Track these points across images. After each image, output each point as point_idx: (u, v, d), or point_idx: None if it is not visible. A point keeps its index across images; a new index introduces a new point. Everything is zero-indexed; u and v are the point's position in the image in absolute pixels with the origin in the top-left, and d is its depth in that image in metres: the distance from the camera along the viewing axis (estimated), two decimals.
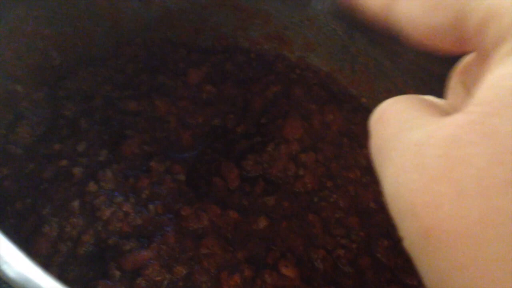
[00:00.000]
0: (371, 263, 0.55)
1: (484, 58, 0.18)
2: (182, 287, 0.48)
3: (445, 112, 0.19)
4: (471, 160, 0.15)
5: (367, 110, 0.69)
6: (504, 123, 0.15)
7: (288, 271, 0.52)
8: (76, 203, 0.50)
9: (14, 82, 0.52)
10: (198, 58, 0.68)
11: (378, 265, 0.56)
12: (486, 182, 0.15)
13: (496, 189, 0.15)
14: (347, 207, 0.59)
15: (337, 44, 0.69)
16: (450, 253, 0.16)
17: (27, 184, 0.51)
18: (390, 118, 0.21)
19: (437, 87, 0.62)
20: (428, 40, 0.21)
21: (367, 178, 0.62)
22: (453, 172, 0.16)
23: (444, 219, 0.16)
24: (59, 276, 0.45)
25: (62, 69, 0.58)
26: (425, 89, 0.63)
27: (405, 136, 0.19)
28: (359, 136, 0.65)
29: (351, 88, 0.70)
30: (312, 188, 0.60)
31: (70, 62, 0.59)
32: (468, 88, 0.22)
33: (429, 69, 0.62)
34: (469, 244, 0.15)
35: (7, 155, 0.53)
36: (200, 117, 0.63)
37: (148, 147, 0.58)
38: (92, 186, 0.51)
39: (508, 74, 0.16)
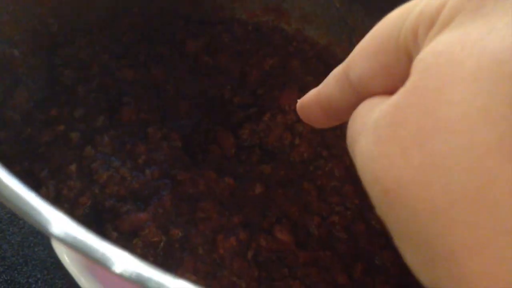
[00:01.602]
0: (365, 229, 0.56)
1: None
2: (178, 248, 0.49)
3: None
4: (410, 119, 0.17)
5: None
6: (434, 81, 0.17)
7: (283, 236, 0.53)
8: (73, 167, 0.51)
9: (11, 47, 0.52)
10: (196, 29, 0.68)
11: (372, 231, 0.56)
12: (421, 134, 0.17)
13: (429, 136, 0.16)
14: (342, 176, 0.60)
15: (335, 16, 0.69)
16: (406, 205, 0.17)
17: (24, 148, 0.52)
18: (358, 111, 0.23)
19: None
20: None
21: None
22: (397, 133, 0.18)
23: (396, 176, 0.17)
24: None
25: (59, 36, 0.58)
26: None
27: (368, 117, 0.21)
28: None
29: None
30: (307, 157, 0.60)
31: (68, 29, 0.59)
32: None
33: None
34: (417, 191, 0.17)
35: (4, 120, 0.53)
36: (197, 87, 0.64)
37: (145, 114, 0.58)
38: (89, 151, 0.52)
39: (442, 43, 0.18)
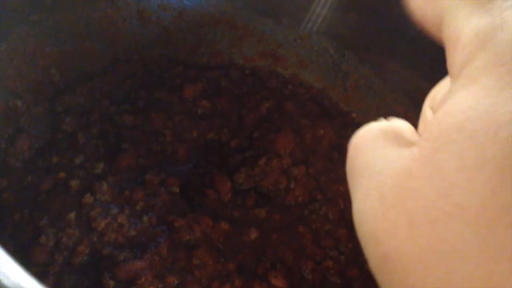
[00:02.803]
0: (359, 274, 0.57)
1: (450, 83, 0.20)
2: None
3: (411, 142, 0.20)
4: (421, 192, 0.17)
5: (358, 125, 0.69)
6: (449, 160, 0.16)
7: (277, 282, 0.54)
8: (72, 215, 0.52)
9: (15, 98, 0.54)
10: (194, 74, 0.70)
11: (366, 276, 0.57)
12: (433, 214, 0.17)
13: (441, 220, 0.16)
14: (336, 220, 0.61)
15: (329, 61, 0.71)
16: (404, 277, 0.17)
17: (25, 196, 0.53)
18: (362, 146, 0.23)
19: (422, 103, 0.64)
20: (428, 28, 0.23)
21: None
22: (406, 203, 0.17)
23: (399, 246, 0.17)
24: (54, 285, 0.47)
25: (61, 84, 0.60)
26: (413, 106, 0.65)
27: (371, 164, 0.20)
28: None
29: (342, 104, 0.72)
30: (302, 200, 0.62)
31: (69, 78, 0.61)
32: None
33: (418, 87, 0.64)
34: (419, 269, 0.17)
35: (6, 168, 0.55)
36: (195, 131, 0.65)
37: (143, 160, 0.59)
38: (88, 198, 0.53)
39: (455, 108, 0.17)
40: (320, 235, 0.60)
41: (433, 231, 0.16)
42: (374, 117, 0.70)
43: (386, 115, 0.70)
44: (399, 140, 0.21)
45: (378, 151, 0.21)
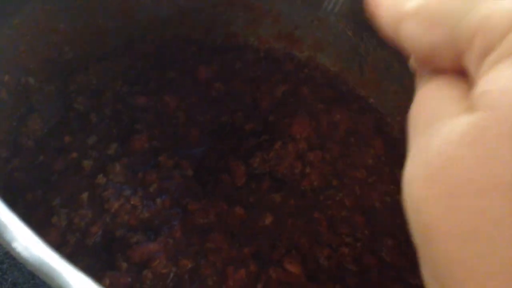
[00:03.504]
0: (376, 261, 0.56)
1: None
2: (188, 280, 0.49)
3: (469, 106, 0.19)
4: (469, 163, 0.16)
5: (375, 111, 0.70)
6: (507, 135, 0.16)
7: (293, 268, 0.53)
8: (85, 195, 0.51)
9: (27, 75, 0.53)
10: (208, 55, 0.69)
11: (383, 264, 0.56)
12: (476, 186, 0.16)
13: (483, 194, 0.16)
14: (352, 206, 0.60)
15: (346, 44, 0.70)
16: (443, 249, 0.17)
17: (37, 175, 0.52)
18: (426, 102, 0.21)
19: None
20: (428, 59, 0.22)
21: (373, 178, 0.62)
22: (448, 171, 0.17)
23: (439, 216, 0.17)
24: None
25: (73, 63, 0.59)
26: None
27: (429, 118, 0.20)
28: (366, 136, 0.66)
29: (359, 88, 0.70)
30: (318, 186, 0.60)
31: (82, 57, 0.60)
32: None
33: None
34: (458, 243, 0.16)
35: (18, 147, 0.53)
36: (208, 114, 0.64)
37: (157, 142, 0.58)
38: (101, 179, 0.52)
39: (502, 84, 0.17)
40: (336, 221, 0.58)
41: (471, 203, 0.16)
42: (391, 102, 0.69)
43: (404, 100, 0.68)
44: (461, 98, 0.20)
45: (440, 105, 0.20)
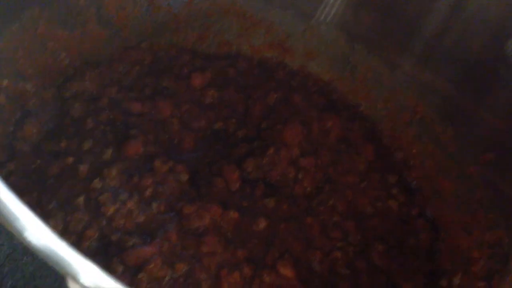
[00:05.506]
0: (367, 266, 0.57)
1: None
2: (182, 283, 0.49)
3: None
4: None
5: (365, 118, 0.71)
6: None
7: (286, 271, 0.53)
8: (81, 199, 0.51)
9: (24, 81, 0.54)
10: (202, 63, 0.70)
11: (373, 268, 0.57)
12: None
13: None
14: (344, 211, 0.61)
15: (338, 53, 0.71)
16: None
17: (33, 179, 0.53)
18: None
19: (432, 98, 0.64)
20: None
21: (364, 183, 0.64)
22: None
23: None
24: None
25: (70, 70, 0.60)
26: (423, 100, 0.65)
27: None
28: (356, 143, 0.67)
29: (350, 96, 0.72)
30: (310, 191, 0.61)
31: (78, 63, 0.61)
32: None
33: (428, 81, 0.64)
34: None
35: (14, 151, 0.54)
36: (202, 121, 0.65)
37: (151, 147, 0.59)
38: (97, 183, 0.53)
39: None
40: (328, 226, 0.59)
41: None
42: (382, 110, 0.71)
43: (394, 108, 0.70)
44: None
45: None
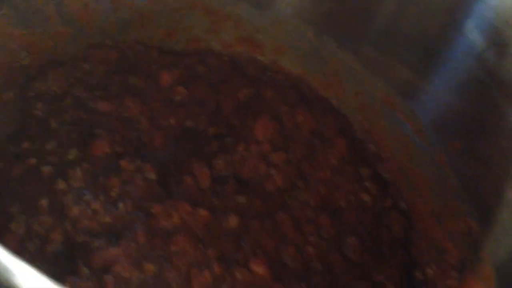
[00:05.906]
0: (341, 260, 0.56)
1: None
2: (152, 284, 0.48)
3: None
4: None
5: (337, 112, 0.70)
6: None
7: (258, 268, 0.52)
8: (44, 201, 0.50)
9: None
10: (170, 60, 0.68)
11: (347, 262, 0.56)
12: None
13: None
14: (317, 206, 0.60)
15: (308, 47, 0.70)
16: None
17: None
18: None
19: (405, 90, 0.63)
20: None
21: (337, 177, 0.63)
22: None
23: None
24: None
25: (32, 69, 0.58)
26: (394, 92, 0.65)
27: None
28: (329, 137, 0.66)
29: (322, 90, 0.71)
30: (283, 187, 0.61)
31: (40, 62, 0.59)
32: None
33: (398, 73, 0.64)
34: None
35: None
36: (172, 119, 0.63)
37: (118, 147, 0.57)
38: (60, 184, 0.51)
39: None
40: (301, 221, 0.58)
41: None
42: (353, 103, 0.70)
43: (365, 101, 0.70)
44: None
45: None
